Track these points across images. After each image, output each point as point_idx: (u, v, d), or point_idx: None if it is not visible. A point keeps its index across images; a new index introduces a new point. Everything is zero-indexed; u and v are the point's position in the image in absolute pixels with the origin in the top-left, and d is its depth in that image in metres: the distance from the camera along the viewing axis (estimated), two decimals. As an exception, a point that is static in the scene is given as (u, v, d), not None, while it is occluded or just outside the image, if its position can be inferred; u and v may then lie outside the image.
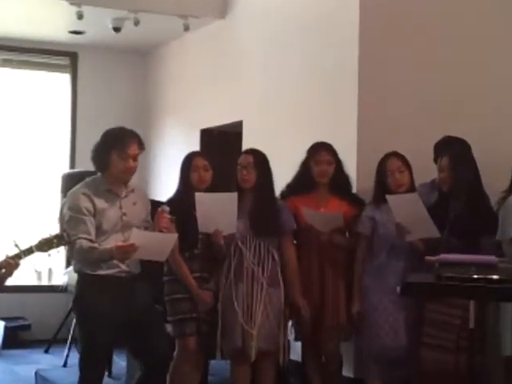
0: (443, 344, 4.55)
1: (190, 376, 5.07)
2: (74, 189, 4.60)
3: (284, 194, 5.28)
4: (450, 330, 4.51)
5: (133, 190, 4.64)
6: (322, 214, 5.08)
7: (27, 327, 8.27)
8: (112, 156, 4.51)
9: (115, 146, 4.51)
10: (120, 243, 4.34)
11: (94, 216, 4.45)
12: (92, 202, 4.47)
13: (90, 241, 4.40)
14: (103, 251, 4.37)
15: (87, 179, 4.64)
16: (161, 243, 4.47)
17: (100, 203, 4.48)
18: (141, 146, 4.59)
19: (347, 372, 5.45)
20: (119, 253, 4.31)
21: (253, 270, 4.96)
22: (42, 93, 8.89)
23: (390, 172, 5.03)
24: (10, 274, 4.21)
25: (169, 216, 4.61)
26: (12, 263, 4.13)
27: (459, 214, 4.68)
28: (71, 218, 4.45)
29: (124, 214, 4.52)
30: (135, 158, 4.55)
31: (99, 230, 4.46)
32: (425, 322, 4.67)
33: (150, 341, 4.54)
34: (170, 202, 5.03)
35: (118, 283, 4.48)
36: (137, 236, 4.33)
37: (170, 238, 4.52)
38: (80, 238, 4.37)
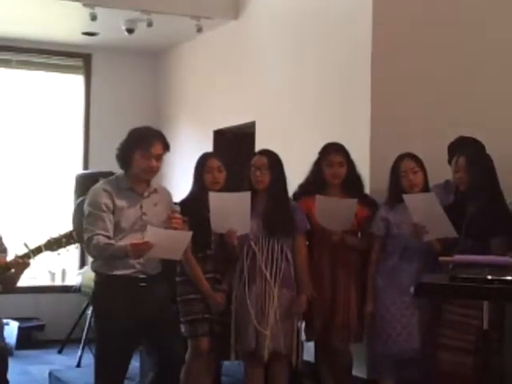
0: (460, 345, 4.53)
1: (202, 377, 5.07)
2: (96, 185, 4.61)
3: (296, 195, 5.28)
4: (468, 331, 4.49)
5: (156, 191, 4.63)
6: (336, 199, 5.07)
7: (41, 327, 8.30)
8: (135, 154, 4.51)
9: (139, 145, 4.51)
10: (135, 241, 4.35)
11: (113, 213, 4.45)
12: (112, 199, 4.47)
13: (108, 237, 4.40)
14: (118, 248, 4.37)
15: (110, 177, 4.66)
16: (175, 241, 4.46)
17: (120, 201, 4.49)
18: (165, 146, 4.58)
19: (360, 373, 5.44)
20: (134, 250, 4.31)
21: (266, 271, 4.96)
22: (55, 94, 8.92)
23: (404, 173, 5.03)
24: (19, 273, 4.23)
25: (180, 216, 4.61)
26: (21, 263, 4.15)
27: (475, 214, 4.66)
28: (90, 214, 4.46)
29: (144, 214, 4.52)
30: (158, 158, 4.54)
31: (117, 228, 4.46)
32: (441, 323, 4.66)
33: (164, 342, 4.55)
34: (183, 202, 5.03)
35: (135, 283, 4.48)
36: (151, 233, 4.33)
37: (185, 236, 4.50)
38: (98, 234, 4.38)
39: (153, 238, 4.30)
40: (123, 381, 4.60)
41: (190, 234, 4.50)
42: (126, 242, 4.39)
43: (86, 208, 4.51)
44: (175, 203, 4.99)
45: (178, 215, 4.58)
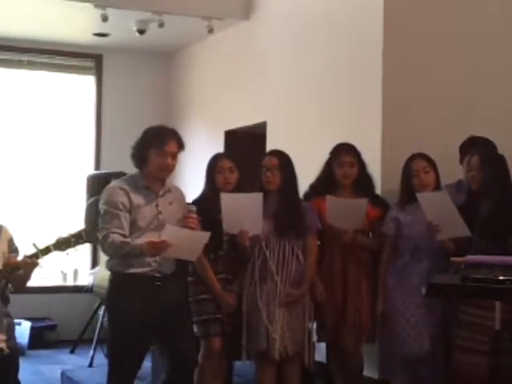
0: (475, 346, 4.51)
1: (214, 377, 5.07)
2: (112, 183, 4.62)
3: (307, 195, 5.28)
4: (482, 332, 4.47)
5: (170, 190, 4.64)
6: (346, 200, 5.06)
7: (53, 327, 8.33)
8: (151, 153, 4.53)
9: (154, 143, 4.52)
10: (152, 239, 4.35)
11: (130, 212, 4.46)
12: (128, 197, 4.47)
13: (123, 236, 4.40)
14: (134, 246, 4.37)
15: (126, 176, 4.66)
16: (193, 241, 4.45)
17: (137, 199, 4.49)
18: (180, 144, 4.59)
19: (371, 373, 5.43)
20: (150, 249, 4.31)
21: (277, 272, 4.96)
22: (67, 95, 8.95)
23: (415, 172, 5.02)
24: (29, 273, 4.25)
25: (196, 216, 4.61)
26: (30, 262, 4.16)
27: (488, 214, 4.65)
28: (106, 212, 4.46)
29: (160, 213, 4.52)
30: (173, 156, 4.56)
31: (134, 227, 4.46)
32: (456, 324, 4.64)
33: (177, 342, 4.55)
34: (195, 203, 5.04)
35: (150, 282, 4.48)
36: (169, 232, 4.32)
37: (203, 236, 4.48)
38: (113, 232, 4.39)
39: (170, 236, 4.30)
40: (134, 380, 4.61)
41: (207, 234, 4.47)
42: (142, 240, 4.38)
43: (101, 206, 4.51)
44: (188, 203, 5.00)
45: (194, 215, 4.59)
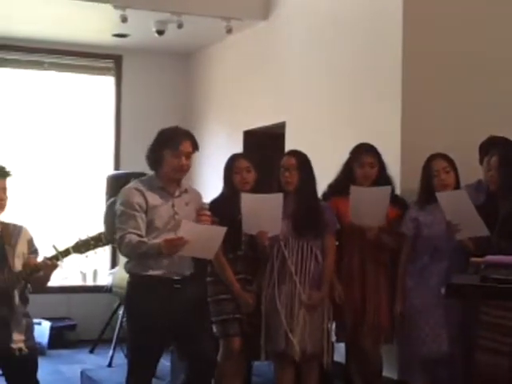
0: (497, 347, 4.48)
1: (233, 377, 5.08)
2: (128, 185, 4.63)
3: (326, 195, 5.27)
4: (504, 333, 4.45)
5: (186, 191, 4.65)
6: (370, 189, 5.05)
7: (73, 327, 8.37)
8: (165, 153, 4.54)
9: (168, 144, 4.54)
10: (169, 237, 4.36)
11: (146, 212, 4.47)
12: (144, 197, 4.49)
13: (140, 236, 4.42)
14: (151, 245, 4.38)
15: (142, 177, 4.68)
16: (209, 237, 4.45)
17: (153, 199, 4.51)
18: (194, 145, 4.61)
19: (391, 374, 5.42)
20: (167, 246, 4.32)
21: (295, 272, 4.95)
22: (86, 96, 8.99)
23: (436, 172, 5.01)
24: (48, 275, 4.28)
25: (209, 212, 4.61)
26: (49, 264, 4.19)
27: (507, 214, 4.62)
28: (122, 213, 4.48)
29: (176, 213, 4.53)
30: (188, 156, 4.57)
31: (151, 227, 4.48)
32: (478, 324, 4.61)
33: (196, 344, 4.55)
34: (213, 203, 5.05)
35: (168, 284, 4.49)
36: (186, 228, 4.32)
37: (219, 231, 4.48)
38: (130, 232, 4.40)
39: (187, 233, 4.30)
40: (151, 379, 4.63)
41: (224, 229, 4.46)
42: (159, 240, 4.41)
43: (117, 207, 4.54)
44: (205, 204, 5.01)
45: (206, 211, 4.59)
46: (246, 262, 5.04)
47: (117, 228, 4.48)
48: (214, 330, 5.00)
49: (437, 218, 4.90)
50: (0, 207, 4.29)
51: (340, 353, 5.43)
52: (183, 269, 4.55)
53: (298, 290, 4.94)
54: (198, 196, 4.78)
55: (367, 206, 4.93)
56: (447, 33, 5.88)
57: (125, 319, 4.77)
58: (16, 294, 4.24)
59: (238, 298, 4.97)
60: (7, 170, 4.33)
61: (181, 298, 4.50)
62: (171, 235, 4.40)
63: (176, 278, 4.51)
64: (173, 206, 4.55)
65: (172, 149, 4.52)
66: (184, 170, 4.58)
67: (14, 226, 4.39)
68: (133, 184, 4.60)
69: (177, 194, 4.60)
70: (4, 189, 4.29)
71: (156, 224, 4.48)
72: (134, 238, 4.40)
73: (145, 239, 4.42)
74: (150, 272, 4.47)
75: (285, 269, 4.97)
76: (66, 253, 4.22)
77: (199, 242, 4.34)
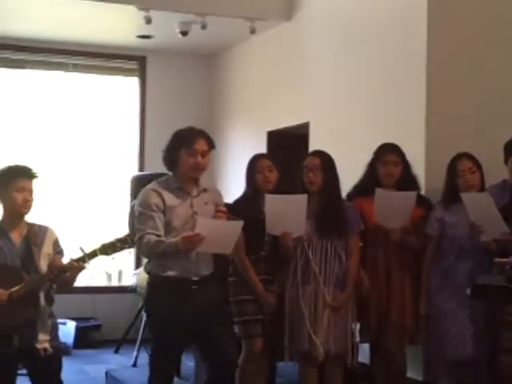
0: None
1: (256, 378, 5.08)
2: (146, 186, 4.66)
3: (350, 196, 5.26)
4: None
5: (205, 190, 4.66)
6: (396, 193, 5.04)
7: (98, 327, 8.41)
8: (181, 153, 4.56)
9: (183, 144, 4.57)
10: (186, 234, 4.37)
11: (164, 213, 4.50)
12: (162, 198, 4.51)
13: (158, 236, 4.45)
14: (169, 244, 4.41)
15: (160, 178, 4.70)
16: (226, 232, 4.45)
17: (170, 200, 4.53)
18: (209, 143, 4.62)
19: (416, 375, 5.40)
20: (185, 243, 4.34)
21: (319, 272, 4.95)
22: (111, 97, 9.03)
23: (461, 173, 4.98)
24: (74, 276, 4.31)
25: (225, 209, 4.61)
26: (76, 266, 4.22)
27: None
28: (140, 214, 4.52)
29: (195, 213, 4.54)
30: (204, 155, 4.58)
31: (169, 227, 4.50)
32: (503, 325, 4.59)
33: (218, 343, 4.56)
34: (236, 203, 5.06)
35: (188, 285, 4.51)
36: (202, 224, 4.34)
37: (236, 226, 4.49)
38: (148, 233, 4.43)
39: (203, 228, 4.31)
40: (172, 379, 4.68)
41: (240, 223, 4.47)
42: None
43: (136, 208, 4.57)
44: (228, 204, 5.01)
45: (222, 208, 4.60)
46: (269, 262, 5.04)
47: (136, 229, 4.52)
48: (236, 330, 5.01)
49: (462, 218, 4.87)
50: (26, 208, 4.33)
51: (364, 353, 5.41)
52: (202, 269, 4.56)
53: (321, 290, 4.93)
54: (219, 195, 4.79)
55: (392, 210, 4.93)
56: (472, 31, 5.85)
57: (146, 319, 4.81)
58: (42, 294, 4.27)
59: (260, 298, 4.97)
60: (34, 171, 4.37)
61: (200, 298, 4.51)
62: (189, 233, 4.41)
63: (195, 278, 4.53)
64: (191, 205, 4.56)
65: (187, 148, 4.54)
66: (201, 168, 4.59)
67: (40, 226, 4.42)
68: (150, 185, 4.63)
69: (195, 193, 4.61)
70: (30, 190, 4.33)
71: (174, 224, 4.50)
72: (153, 238, 4.42)
73: (163, 238, 4.44)
74: (169, 273, 4.49)
75: (309, 269, 4.96)
76: (93, 255, 4.25)
77: (216, 238, 4.35)
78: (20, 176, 4.31)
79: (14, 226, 4.34)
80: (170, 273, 4.49)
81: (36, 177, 4.37)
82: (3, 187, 4.31)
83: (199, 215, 4.50)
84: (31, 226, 4.40)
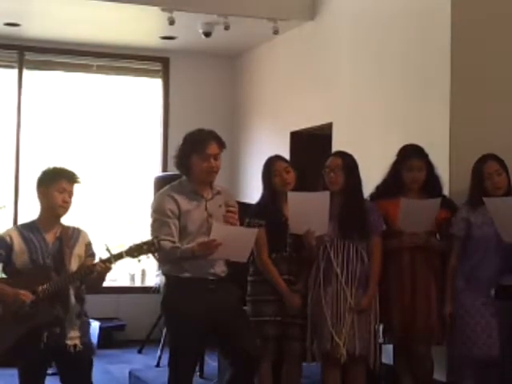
0: None
1: (270, 378, 5.07)
2: (160, 191, 4.68)
3: (373, 196, 5.24)
4: None
5: (219, 192, 4.67)
6: (421, 201, 5.02)
7: (121, 328, 8.45)
8: (193, 158, 4.57)
9: (195, 148, 4.57)
10: (201, 240, 4.38)
11: (179, 218, 4.51)
12: (177, 203, 4.53)
13: (173, 242, 4.46)
14: (185, 250, 4.43)
15: (173, 182, 4.71)
16: (242, 238, 4.47)
17: (185, 204, 4.54)
18: (220, 145, 4.62)
19: (440, 376, 5.37)
20: (201, 249, 4.36)
21: (341, 273, 4.93)
22: (134, 98, 9.08)
23: (487, 175, 4.95)
24: (102, 277, 4.34)
25: (235, 209, 4.59)
26: (103, 267, 4.25)
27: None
28: (155, 220, 4.55)
29: (210, 216, 4.55)
30: (216, 158, 4.58)
31: (184, 232, 4.52)
32: None
33: (239, 342, 4.57)
34: (257, 206, 5.07)
35: (205, 286, 4.53)
36: (217, 230, 4.35)
37: (251, 233, 4.51)
38: (163, 239, 4.43)
39: (219, 234, 4.32)
40: (192, 379, 4.68)
41: (255, 231, 4.50)
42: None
43: (151, 214, 4.59)
44: (252, 205, 5.00)
45: (232, 208, 4.58)
46: (291, 262, 5.02)
47: (151, 235, 4.51)
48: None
49: (487, 219, 4.84)
50: (64, 209, 4.38)
51: (387, 354, 5.39)
52: (217, 270, 4.58)
53: (344, 291, 4.92)
54: (229, 196, 4.80)
55: (416, 216, 4.93)
56: (497, 30, 5.81)
57: (164, 321, 4.83)
58: (71, 293, 4.30)
59: (284, 298, 4.96)
60: (77, 176, 4.43)
61: (218, 297, 4.53)
62: (204, 238, 4.43)
63: (211, 278, 4.55)
64: (206, 208, 4.57)
65: (199, 153, 4.55)
66: (214, 171, 4.60)
67: (74, 229, 4.48)
68: (165, 190, 4.64)
69: (209, 196, 4.62)
70: (70, 193, 4.39)
71: (189, 229, 4.52)
72: (168, 245, 4.44)
73: (178, 244, 4.46)
74: (186, 274, 4.52)
75: (330, 270, 4.94)
76: (119, 256, 4.28)
77: (232, 244, 4.36)
78: (64, 178, 4.37)
79: (50, 226, 4.39)
80: (187, 274, 4.52)
81: (78, 182, 4.42)
82: (44, 186, 4.37)
83: (214, 218, 4.51)
84: (65, 227, 4.45)
